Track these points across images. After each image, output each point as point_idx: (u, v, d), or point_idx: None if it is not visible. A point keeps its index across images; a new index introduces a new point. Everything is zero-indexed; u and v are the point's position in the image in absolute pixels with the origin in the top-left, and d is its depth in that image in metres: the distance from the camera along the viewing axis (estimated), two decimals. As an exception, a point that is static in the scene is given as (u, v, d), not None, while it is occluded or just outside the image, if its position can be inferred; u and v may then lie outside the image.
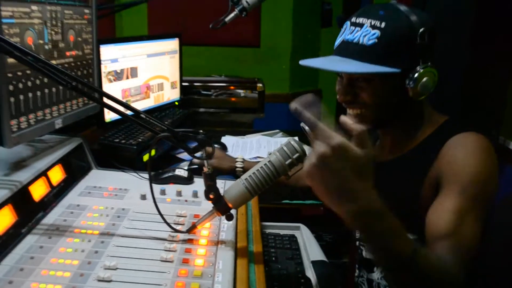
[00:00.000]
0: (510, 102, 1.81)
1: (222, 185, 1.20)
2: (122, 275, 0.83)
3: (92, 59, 1.37)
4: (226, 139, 2.10)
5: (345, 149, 0.70)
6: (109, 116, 1.76)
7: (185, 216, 1.08)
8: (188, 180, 1.29)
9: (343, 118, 0.74)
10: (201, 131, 0.99)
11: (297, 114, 0.81)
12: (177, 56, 2.19)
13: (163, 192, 1.20)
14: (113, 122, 1.76)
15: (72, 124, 1.25)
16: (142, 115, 0.99)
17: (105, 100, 0.98)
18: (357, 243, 1.24)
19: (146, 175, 1.05)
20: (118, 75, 1.80)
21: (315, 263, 1.28)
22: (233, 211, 1.00)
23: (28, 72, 1.04)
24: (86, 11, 1.31)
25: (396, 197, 0.85)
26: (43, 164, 1.09)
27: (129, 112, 0.99)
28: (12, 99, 0.99)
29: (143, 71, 1.96)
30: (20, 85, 1.02)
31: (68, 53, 1.23)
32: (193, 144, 1.12)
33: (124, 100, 1.78)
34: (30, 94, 1.05)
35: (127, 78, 1.86)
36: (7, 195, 0.91)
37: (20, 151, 1.13)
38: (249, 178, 0.93)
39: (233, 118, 2.36)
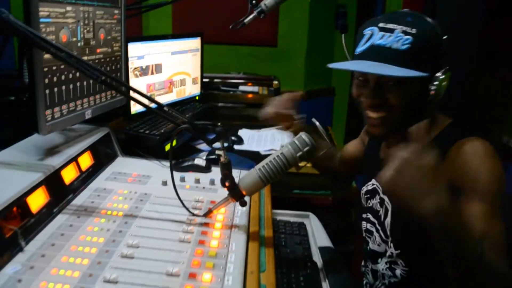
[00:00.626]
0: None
1: (238, 174, 1.25)
2: (144, 253, 0.89)
3: (120, 56, 1.43)
4: (243, 132, 2.14)
5: (422, 150, 0.81)
6: (135, 108, 1.83)
7: (202, 202, 1.14)
8: (206, 169, 1.35)
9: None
10: (219, 124, 1.03)
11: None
12: (198, 54, 2.24)
13: (182, 179, 1.26)
14: (138, 114, 1.84)
15: (101, 115, 1.32)
16: (165, 108, 1.03)
17: (131, 93, 1.03)
18: (364, 234, 1.27)
19: (168, 163, 1.09)
20: (143, 71, 1.87)
21: (322, 249, 1.33)
22: (246, 198, 1.05)
23: (62, 66, 1.10)
24: (116, 11, 1.37)
25: None
26: (74, 151, 1.16)
27: (153, 105, 1.03)
28: (47, 91, 1.06)
29: (167, 67, 2.02)
30: (55, 79, 1.09)
31: (98, 50, 1.29)
32: (212, 136, 1.18)
33: (148, 94, 1.87)
34: (63, 87, 1.12)
35: (152, 73, 1.93)
36: (41, 178, 0.99)
37: (53, 138, 1.20)
38: (262, 168, 0.98)
39: (249, 112, 2.39)
